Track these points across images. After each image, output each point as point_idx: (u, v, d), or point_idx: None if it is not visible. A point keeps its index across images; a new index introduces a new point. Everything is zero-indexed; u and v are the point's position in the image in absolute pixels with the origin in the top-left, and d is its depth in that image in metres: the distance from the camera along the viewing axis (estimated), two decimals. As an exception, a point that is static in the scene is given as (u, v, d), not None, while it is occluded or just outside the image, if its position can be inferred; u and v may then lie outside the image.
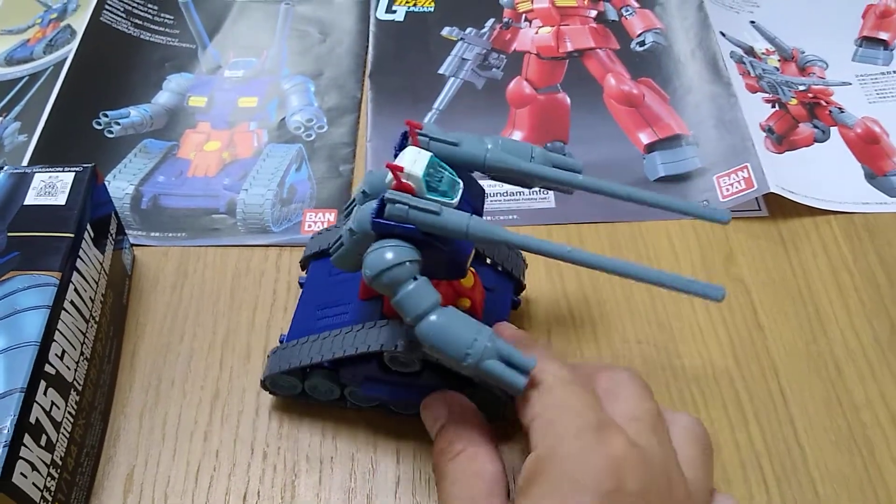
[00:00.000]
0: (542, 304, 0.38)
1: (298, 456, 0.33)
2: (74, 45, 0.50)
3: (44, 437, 0.28)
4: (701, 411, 0.34)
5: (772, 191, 0.40)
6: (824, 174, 0.43)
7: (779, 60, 0.50)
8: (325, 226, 0.40)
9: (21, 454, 0.26)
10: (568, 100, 0.48)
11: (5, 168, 0.35)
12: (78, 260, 0.32)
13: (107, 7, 0.52)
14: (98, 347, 0.33)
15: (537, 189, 0.43)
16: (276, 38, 0.52)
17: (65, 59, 0.49)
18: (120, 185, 0.43)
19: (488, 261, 0.34)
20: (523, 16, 0.53)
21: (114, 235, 0.37)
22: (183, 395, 0.35)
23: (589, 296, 0.38)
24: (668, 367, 0.36)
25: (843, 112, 0.47)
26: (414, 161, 0.25)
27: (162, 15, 0.53)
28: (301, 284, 0.36)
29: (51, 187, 0.34)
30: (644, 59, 0.50)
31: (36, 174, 0.34)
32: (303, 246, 0.40)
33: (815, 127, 0.46)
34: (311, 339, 0.31)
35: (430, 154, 0.26)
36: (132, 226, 0.41)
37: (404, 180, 0.25)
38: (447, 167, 0.26)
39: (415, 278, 0.25)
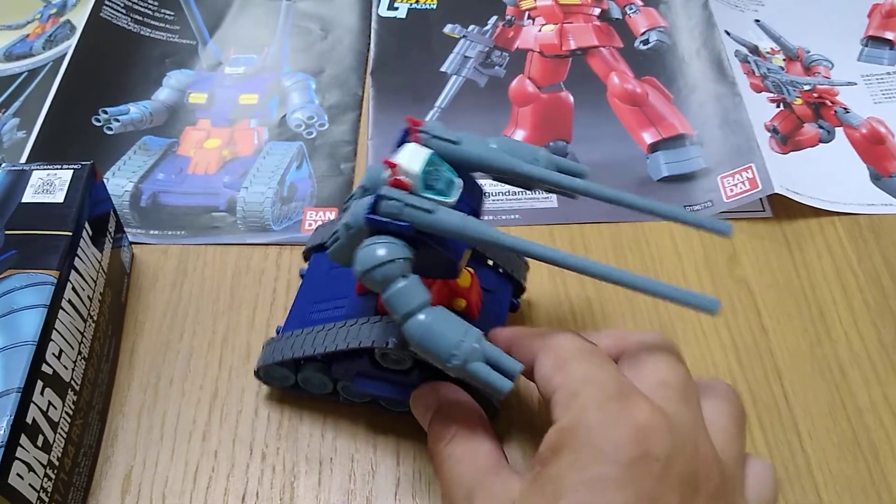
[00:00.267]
0: (544, 306, 0.37)
1: (298, 457, 0.33)
2: (74, 40, 0.49)
3: (41, 438, 0.28)
4: (704, 414, 0.34)
5: (776, 192, 0.40)
6: (829, 175, 0.43)
7: (784, 60, 0.50)
8: (326, 224, 0.40)
9: (17, 455, 0.26)
10: (571, 98, 0.47)
11: (3, 165, 0.35)
12: (76, 258, 0.32)
13: (107, 3, 0.51)
14: (96, 346, 0.33)
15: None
16: (278, 35, 0.52)
17: (64, 55, 0.48)
18: (119, 182, 0.43)
19: (490, 262, 0.34)
20: (526, 13, 0.52)
21: (112, 233, 0.37)
22: (182, 394, 0.35)
23: (591, 297, 0.38)
24: (671, 369, 0.35)
25: (848, 112, 0.46)
26: (412, 158, 0.25)
27: (162, 11, 0.53)
28: (302, 276, 0.36)
29: (49, 185, 0.33)
30: (648, 57, 0.49)
31: (34, 171, 0.34)
32: (303, 245, 0.39)
33: (821, 127, 0.46)
34: (305, 332, 0.31)
35: (429, 151, 0.26)
36: (131, 224, 0.41)
37: (401, 177, 0.25)
38: (446, 165, 0.26)
39: (405, 276, 0.25)
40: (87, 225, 0.33)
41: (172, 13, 0.53)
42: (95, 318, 0.33)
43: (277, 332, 0.33)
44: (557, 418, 0.24)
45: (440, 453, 0.27)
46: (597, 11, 0.52)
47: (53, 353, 0.29)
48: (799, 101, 0.47)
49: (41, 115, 0.45)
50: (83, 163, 0.34)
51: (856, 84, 0.48)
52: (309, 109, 0.47)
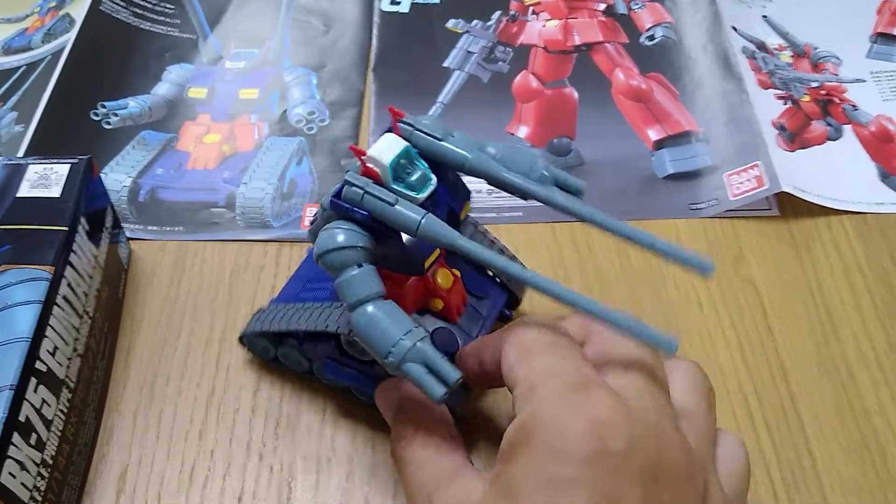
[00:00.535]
0: (547, 307, 0.37)
1: (295, 457, 0.32)
2: (73, 34, 0.49)
3: (34, 436, 0.27)
4: (709, 415, 0.33)
5: (783, 189, 0.39)
6: (837, 173, 0.42)
7: (791, 56, 0.49)
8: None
9: (10, 453, 0.26)
10: (576, 95, 0.47)
11: (-1, 159, 0.34)
12: (72, 254, 0.31)
13: (106, -4, 0.51)
14: (92, 343, 0.33)
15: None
16: (279, 29, 0.51)
17: (63, 49, 0.48)
18: (117, 177, 0.42)
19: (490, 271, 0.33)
20: (530, 8, 0.52)
21: (109, 229, 0.36)
22: (178, 392, 0.34)
23: (595, 298, 0.37)
24: (676, 370, 0.35)
25: (856, 110, 0.46)
26: (386, 148, 0.25)
27: (162, 4, 0.52)
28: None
29: (45, 179, 0.33)
30: (654, 53, 0.49)
31: (30, 165, 0.34)
32: (303, 241, 0.39)
33: (828, 125, 0.45)
34: (287, 307, 0.31)
35: (405, 144, 0.25)
36: (129, 219, 0.41)
37: (370, 165, 0.25)
38: (422, 162, 0.25)
39: (360, 265, 0.24)
40: (83, 220, 0.33)
41: (172, 7, 0.52)
42: (91, 314, 0.33)
43: (269, 304, 0.34)
44: (518, 412, 0.23)
45: (400, 455, 0.26)
46: (602, 7, 0.52)
47: (48, 350, 0.29)
48: (807, 99, 0.46)
49: (39, 108, 0.44)
50: (80, 157, 0.34)
51: (864, 81, 0.47)
52: (310, 105, 0.46)
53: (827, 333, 0.36)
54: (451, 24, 0.51)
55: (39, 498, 0.27)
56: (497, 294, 0.33)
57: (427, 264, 0.27)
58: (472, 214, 0.31)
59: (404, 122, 0.26)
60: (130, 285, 0.38)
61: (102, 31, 0.49)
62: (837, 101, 0.46)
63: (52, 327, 0.29)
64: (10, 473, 0.26)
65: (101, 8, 0.50)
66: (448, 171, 0.26)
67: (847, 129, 0.45)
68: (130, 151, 0.44)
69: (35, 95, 0.46)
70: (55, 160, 0.34)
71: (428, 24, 0.51)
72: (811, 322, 0.37)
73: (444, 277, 0.29)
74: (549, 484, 0.21)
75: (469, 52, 0.49)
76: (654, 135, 0.45)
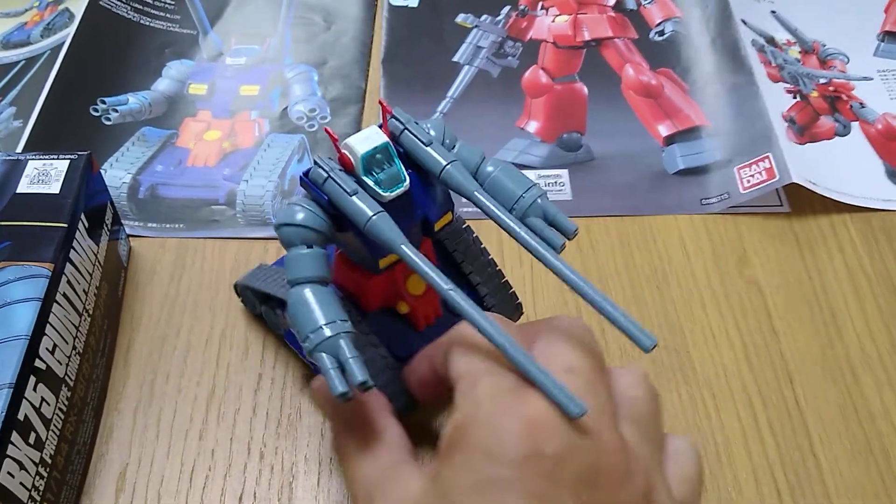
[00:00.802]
0: (550, 308, 0.37)
1: (296, 457, 0.32)
2: (72, 29, 0.48)
3: (32, 435, 0.27)
4: (712, 417, 0.33)
5: (794, 181, 0.39)
6: (845, 169, 0.42)
7: (800, 52, 0.49)
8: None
9: (8, 452, 0.25)
10: (585, 90, 0.47)
11: (-2, 155, 0.34)
12: (71, 251, 0.31)
13: (107, -10, 0.51)
14: (91, 341, 0.32)
15: (553, 181, 0.42)
16: (280, 26, 0.51)
17: (62, 44, 0.48)
18: (117, 173, 0.42)
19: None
20: (540, 3, 0.52)
21: (109, 226, 0.36)
22: (178, 391, 0.34)
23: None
24: (679, 371, 0.35)
25: (864, 107, 0.45)
26: (364, 139, 0.24)
27: (163, 0, 0.52)
28: None
29: (44, 175, 0.33)
30: (663, 48, 0.48)
31: (29, 161, 0.33)
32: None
33: (836, 121, 0.45)
34: (279, 271, 0.32)
35: (385, 140, 0.24)
36: (129, 216, 0.40)
37: (344, 152, 0.25)
38: (399, 162, 0.25)
39: (310, 246, 0.24)
40: (83, 217, 0.32)
41: (173, 2, 0.52)
42: (91, 312, 0.32)
43: (273, 264, 0.35)
44: (457, 409, 0.23)
45: (340, 451, 0.26)
46: (611, 2, 0.52)
47: (47, 348, 0.28)
48: (815, 94, 0.46)
49: (38, 104, 0.44)
50: (80, 153, 0.34)
51: (872, 79, 0.47)
52: (311, 102, 0.46)
53: (831, 335, 0.36)
54: (460, 18, 0.51)
55: (38, 497, 0.27)
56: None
57: (383, 265, 0.27)
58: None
59: (397, 120, 0.26)
60: (130, 283, 0.38)
61: (102, 26, 0.49)
62: (845, 97, 0.46)
63: (52, 325, 0.29)
64: (9, 473, 0.25)
65: (100, 3, 0.50)
66: (436, 179, 0.26)
67: (855, 126, 0.45)
68: (130, 148, 0.44)
69: (34, 90, 0.45)
70: (54, 156, 0.33)
71: (437, 19, 0.51)
72: (815, 324, 0.36)
73: (415, 283, 0.29)
74: (482, 485, 0.21)
75: (479, 46, 0.49)
76: (664, 130, 0.44)
